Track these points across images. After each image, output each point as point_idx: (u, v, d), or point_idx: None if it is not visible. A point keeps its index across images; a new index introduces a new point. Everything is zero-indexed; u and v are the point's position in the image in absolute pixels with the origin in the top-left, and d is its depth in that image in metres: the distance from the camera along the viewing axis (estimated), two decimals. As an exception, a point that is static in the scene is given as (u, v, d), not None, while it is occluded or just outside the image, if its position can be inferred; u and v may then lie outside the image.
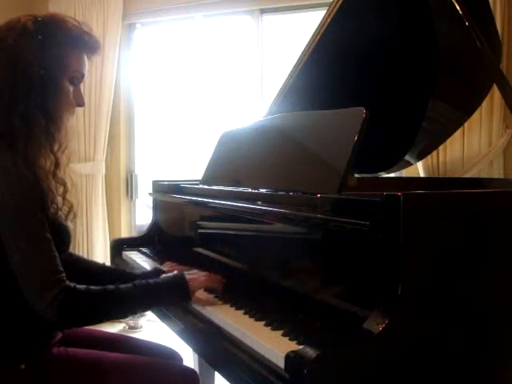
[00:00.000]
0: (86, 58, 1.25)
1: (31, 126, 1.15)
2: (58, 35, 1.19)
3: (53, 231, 1.13)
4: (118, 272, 1.53)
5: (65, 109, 1.22)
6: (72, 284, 1.10)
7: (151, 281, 1.24)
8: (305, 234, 1.18)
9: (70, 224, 1.25)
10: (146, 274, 1.44)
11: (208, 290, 1.33)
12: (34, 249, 1.08)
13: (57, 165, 1.20)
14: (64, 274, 1.10)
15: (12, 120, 1.13)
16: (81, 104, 1.26)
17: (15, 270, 1.08)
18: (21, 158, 1.11)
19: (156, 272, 1.46)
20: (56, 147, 1.20)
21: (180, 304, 1.31)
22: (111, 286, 1.16)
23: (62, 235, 1.18)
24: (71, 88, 1.23)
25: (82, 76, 1.25)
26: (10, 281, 1.13)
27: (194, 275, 1.31)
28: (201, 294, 1.30)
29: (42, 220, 1.10)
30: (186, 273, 1.31)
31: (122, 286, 1.18)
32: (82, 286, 1.12)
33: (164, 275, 1.34)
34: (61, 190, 1.21)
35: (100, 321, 1.22)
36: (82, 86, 1.27)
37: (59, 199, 1.19)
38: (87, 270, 1.48)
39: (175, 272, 1.35)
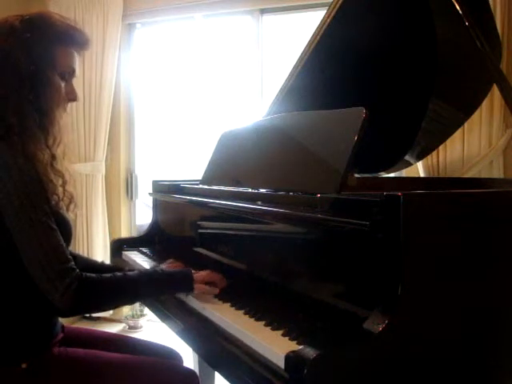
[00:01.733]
0: (76, 53, 1.27)
1: (25, 122, 1.17)
2: (45, 32, 1.21)
3: (55, 223, 1.15)
4: (117, 270, 1.53)
5: (57, 104, 1.24)
6: (83, 272, 1.13)
7: (157, 268, 1.32)
8: (305, 234, 1.18)
9: (70, 217, 1.27)
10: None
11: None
12: (42, 240, 1.10)
13: (53, 158, 1.23)
14: (74, 263, 1.13)
15: (6, 117, 1.16)
16: (73, 99, 1.28)
17: (27, 263, 1.10)
18: (19, 153, 1.13)
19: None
20: (51, 141, 1.24)
21: (182, 292, 1.35)
22: (119, 274, 1.22)
23: (63, 228, 1.19)
24: (62, 83, 1.25)
25: (73, 71, 1.27)
26: (12, 280, 1.15)
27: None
28: (201, 284, 1.33)
29: (46, 212, 1.13)
30: None
31: (130, 273, 1.24)
32: (93, 274, 1.16)
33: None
34: (60, 181, 1.23)
35: (109, 308, 1.32)
36: (74, 81, 1.28)
37: (60, 190, 1.22)
38: (86, 267, 1.49)
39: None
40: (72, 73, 1.27)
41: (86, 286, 1.12)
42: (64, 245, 1.14)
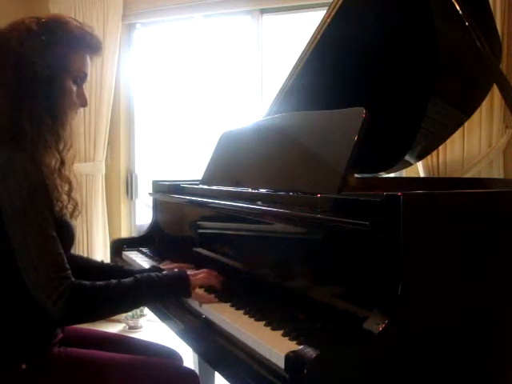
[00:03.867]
0: (89, 58, 1.27)
1: (38, 126, 1.16)
2: (61, 36, 1.20)
3: (58, 229, 1.14)
4: (117, 269, 1.53)
5: (69, 108, 1.23)
6: (77, 281, 1.12)
7: (153, 274, 1.26)
8: (305, 234, 1.18)
9: (73, 222, 1.26)
10: (144, 272, 1.45)
11: (208, 290, 1.34)
12: (40, 247, 1.09)
13: (62, 163, 1.22)
14: (70, 272, 1.12)
15: (19, 120, 1.15)
16: (84, 104, 1.28)
17: (22, 268, 1.09)
18: (27, 156, 1.12)
19: (154, 270, 1.47)
20: (61, 146, 1.23)
21: (179, 299, 1.33)
22: (114, 281, 1.19)
23: (66, 233, 1.19)
24: (74, 88, 1.24)
25: (85, 76, 1.27)
26: (12, 281, 1.14)
27: (193, 272, 1.34)
28: (200, 291, 1.31)
29: (48, 218, 1.12)
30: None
31: (125, 280, 1.20)
32: (87, 282, 1.14)
33: (165, 272, 1.35)
34: (66, 188, 1.22)
35: (105, 316, 1.27)
36: (84, 86, 1.28)
37: (64, 197, 1.21)
38: (85, 268, 1.48)
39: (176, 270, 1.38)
40: (84, 77, 1.26)
41: (79, 296, 1.11)
42: (62, 253, 1.13)
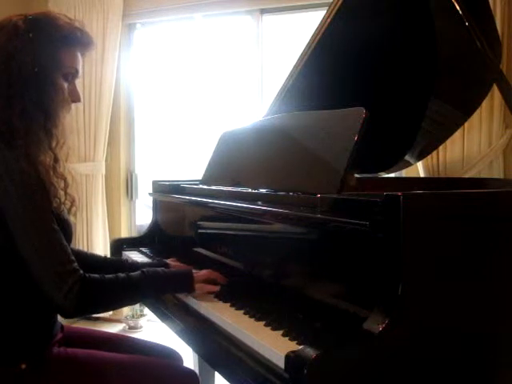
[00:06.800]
0: (80, 54, 1.26)
1: (29, 124, 1.16)
2: (50, 32, 1.20)
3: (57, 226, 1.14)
4: (120, 263, 1.55)
5: (60, 105, 1.23)
6: (87, 274, 1.14)
7: (159, 269, 1.31)
8: (305, 234, 1.18)
9: (71, 219, 1.27)
10: (148, 266, 1.50)
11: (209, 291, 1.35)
12: (45, 241, 1.10)
13: (56, 160, 1.22)
14: (76, 264, 1.13)
15: (10, 119, 1.15)
16: (76, 100, 1.27)
17: (28, 265, 1.10)
18: (22, 155, 1.12)
19: (159, 265, 1.51)
20: (54, 143, 1.23)
21: (184, 292, 1.36)
22: (122, 274, 1.22)
23: (65, 230, 1.19)
24: (66, 84, 1.24)
25: (77, 72, 1.26)
26: (12, 280, 1.14)
27: (197, 271, 1.38)
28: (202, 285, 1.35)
29: (48, 213, 1.13)
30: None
31: (132, 274, 1.23)
32: (97, 275, 1.16)
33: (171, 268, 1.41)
34: (62, 184, 1.23)
35: (113, 308, 1.32)
36: (77, 82, 1.28)
37: (61, 193, 1.21)
38: (89, 262, 1.49)
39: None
40: (75, 74, 1.26)
41: (88, 288, 1.12)
42: (67, 245, 1.14)
